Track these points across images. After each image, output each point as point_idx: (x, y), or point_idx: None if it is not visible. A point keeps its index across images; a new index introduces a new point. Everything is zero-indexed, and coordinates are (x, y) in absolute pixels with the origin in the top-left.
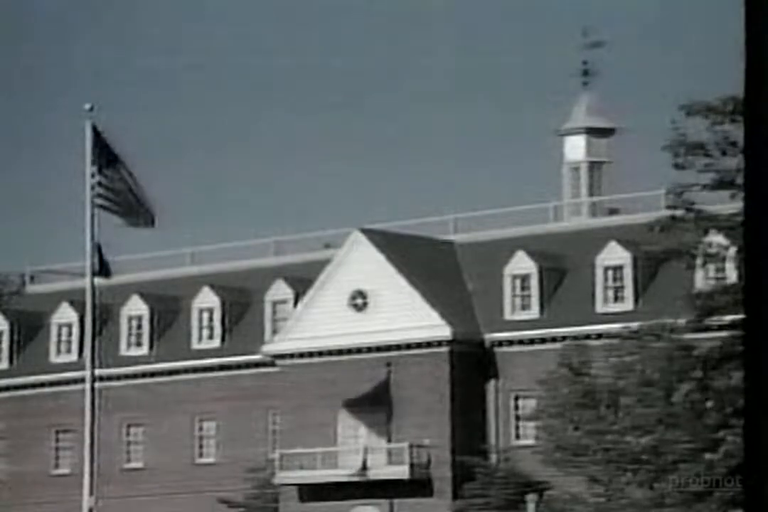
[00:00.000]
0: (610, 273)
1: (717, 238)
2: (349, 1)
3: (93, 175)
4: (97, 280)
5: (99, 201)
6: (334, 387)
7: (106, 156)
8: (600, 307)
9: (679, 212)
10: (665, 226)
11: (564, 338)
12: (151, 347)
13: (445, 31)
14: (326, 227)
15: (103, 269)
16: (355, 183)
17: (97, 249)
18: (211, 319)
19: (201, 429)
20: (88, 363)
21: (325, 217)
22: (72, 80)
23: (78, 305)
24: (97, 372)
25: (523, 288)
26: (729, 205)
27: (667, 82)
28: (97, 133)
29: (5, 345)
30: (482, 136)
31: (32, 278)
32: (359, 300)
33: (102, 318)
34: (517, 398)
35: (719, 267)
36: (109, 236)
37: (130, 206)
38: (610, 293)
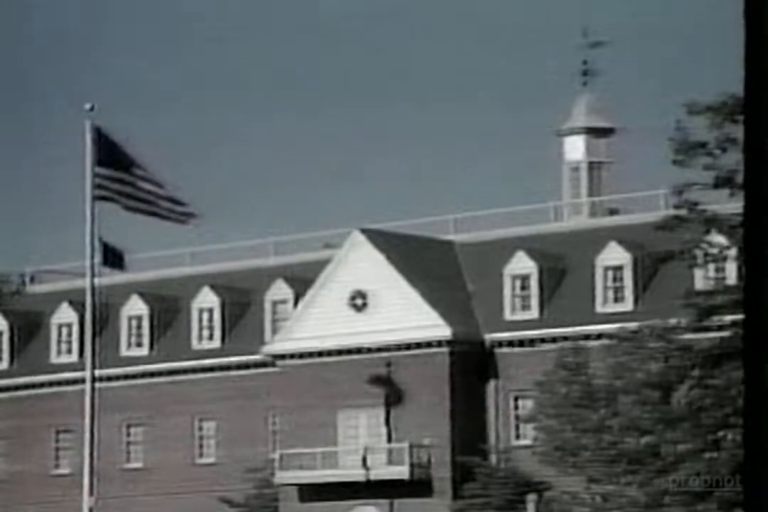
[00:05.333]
0: (610, 273)
1: (718, 238)
2: (349, 2)
3: (97, 174)
4: (97, 280)
5: (100, 192)
6: (334, 387)
7: (113, 154)
8: (600, 307)
9: (681, 211)
10: (668, 225)
11: (564, 338)
12: (151, 347)
13: (445, 31)
14: (326, 227)
15: (117, 262)
16: (356, 183)
17: (104, 244)
18: (211, 319)
19: (201, 429)
20: (88, 364)
21: (325, 217)
22: (72, 81)
23: (78, 305)
24: (97, 372)
25: (523, 288)
26: (730, 204)
27: (666, 82)
28: (100, 132)
29: (5, 345)
30: (482, 136)
31: (32, 278)
32: (359, 300)
33: (102, 318)
34: (517, 398)
35: (719, 267)
36: (109, 236)
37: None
38: (610, 293)
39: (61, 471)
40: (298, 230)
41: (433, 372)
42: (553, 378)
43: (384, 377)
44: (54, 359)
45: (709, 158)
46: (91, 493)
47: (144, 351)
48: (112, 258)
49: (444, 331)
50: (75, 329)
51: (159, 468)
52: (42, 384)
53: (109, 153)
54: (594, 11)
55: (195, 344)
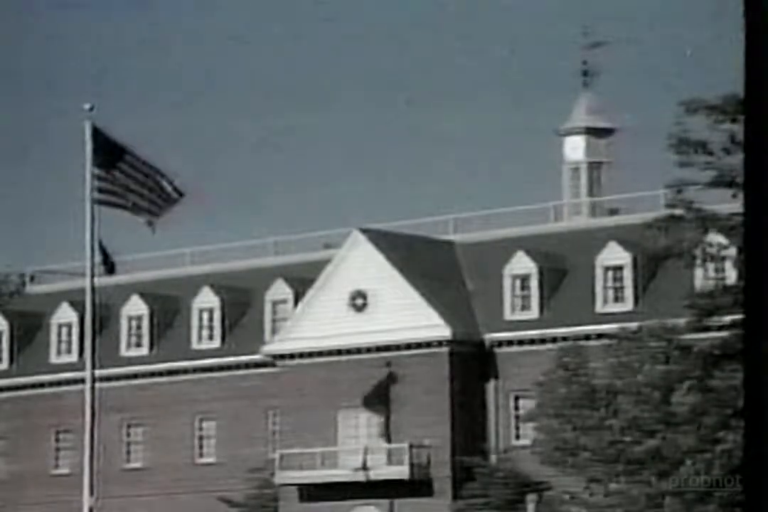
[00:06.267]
0: (610, 273)
1: (717, 238)
2: (350, 3)
3: (95, 175)
4: (97, 280)
5: (101, 196)
6: (334, 387)
7: (112, 153)
8: (600, 307)
9: (678, 211)
10: (665, 225)
11: (564, 338)
12: (151, 347)
13: (445, 32)
14: (326, 227)
15: (108, 265)
16: (355, 183)
17: (100, 246)
18: (211, 319)
19: (201, 429)
20: (88, 364)
21: (325, 217)
22: (72, 80)
23: (78, 305)
24: (97, 372)
25: (523, 288)
26: (729, 204)
27: (666, 82)
28: (98, 132)
29: (5, 345)
30: (482, 136)
31: (32, 278)
32: (359, 300)
33: (102, 318)
34: (517, 398)
35: (719, 267)
36: (110, 236)
37: (141, 200)
38: (610, 293)
39: (61, 471)
40: (298, 230)
41: (433, 372)
42: (553, 378)
43: (384, 377)
44: (54, 359)
45: (710, 157)
46: (91, 493)
47: (144, 351)
48: (106, 261)
49: (444, 331)
50: (75, 329)
51: (159, 468)
52: (42, 384)
53: (105, 153)
54: (594, 11)
55: (195, 344)
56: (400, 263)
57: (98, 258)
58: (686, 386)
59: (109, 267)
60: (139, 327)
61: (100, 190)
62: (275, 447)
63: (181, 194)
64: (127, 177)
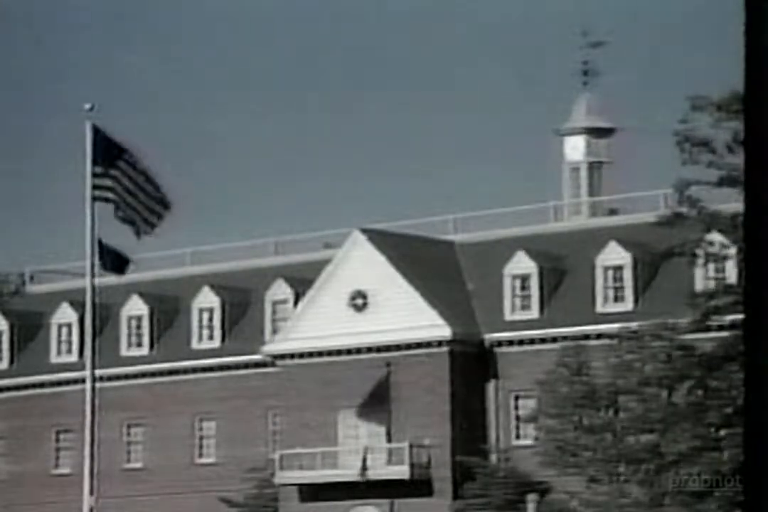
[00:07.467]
0: (610, 273)
1: (718, 237)
2: (349, 3)
3: (96, 175)
4: (98, 280)
5: (100, 193)
6: (334, 387)
7: (111, 154)
8: (600, 307)
9: (682, 209)
10: (668, 223)
11: (564, 338)
12: (151, 347)
13: (445, 32)
14: (326, 227)
15: (119, 266)
16: (355, 183)
17: (107, 247)
18: (211, 319)
19: (201, 429)
20: (88, 364)
21: (325, 217)
22: (72, 80)
23: (78, 305)
24: (98, 372)
25: (523, 288)
26: (732, 204)
27: (666, 82)
28: (97, 132)
29: (5, 345)
30: (482, 136)
31: (32, 278)
32: (359, 300)
33: (102, 318)
34: (517, 398)
35: (719, 267)
36: (110, 236)
37: (136, 207)
38: (610, 293)
39: (61, 471)
40: (298, 230)
41: (433, 372)
42: (554, 378)
43: (384, 377)
44: (54, 359)
45: (713, 156)
46: (91, 493)
47: (144, 351)
48: (115, 262)
49: (444, 331)
50: (75, 329)
51: (159, 468)
52: (42, 384)
53: (105, 152)
54: (594, 11)
55: (195, 344)
56: (400, 263)
57: (97, 258)
58: (687, 386)
59: (119, 266)
60: (139, 327)
61: (98, 187)
62: (275, 447)
63: (167, 206)
64: (125, 178)
